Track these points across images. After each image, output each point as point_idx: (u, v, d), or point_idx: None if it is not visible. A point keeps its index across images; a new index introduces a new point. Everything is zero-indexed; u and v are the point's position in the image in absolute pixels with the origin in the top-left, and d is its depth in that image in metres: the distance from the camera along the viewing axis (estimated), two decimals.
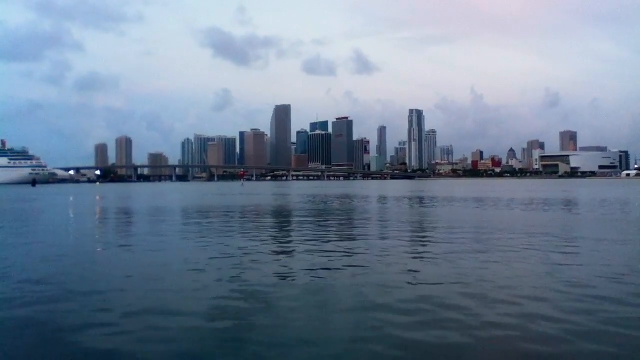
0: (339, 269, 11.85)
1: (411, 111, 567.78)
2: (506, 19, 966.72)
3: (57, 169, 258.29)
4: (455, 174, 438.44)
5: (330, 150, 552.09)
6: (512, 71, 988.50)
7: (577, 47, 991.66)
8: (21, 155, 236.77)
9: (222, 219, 28.33)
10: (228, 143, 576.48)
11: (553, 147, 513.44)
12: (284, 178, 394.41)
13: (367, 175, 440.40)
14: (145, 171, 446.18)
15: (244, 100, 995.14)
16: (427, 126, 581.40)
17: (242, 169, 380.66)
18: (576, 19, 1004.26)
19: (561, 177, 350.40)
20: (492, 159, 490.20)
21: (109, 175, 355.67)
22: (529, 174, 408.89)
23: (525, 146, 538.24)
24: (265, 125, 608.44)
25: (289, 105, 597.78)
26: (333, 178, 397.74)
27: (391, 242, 16.70)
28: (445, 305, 8.35)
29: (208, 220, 27.07)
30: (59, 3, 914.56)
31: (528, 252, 13.99)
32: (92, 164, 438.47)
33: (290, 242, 17.46)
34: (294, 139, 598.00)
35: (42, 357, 6.43)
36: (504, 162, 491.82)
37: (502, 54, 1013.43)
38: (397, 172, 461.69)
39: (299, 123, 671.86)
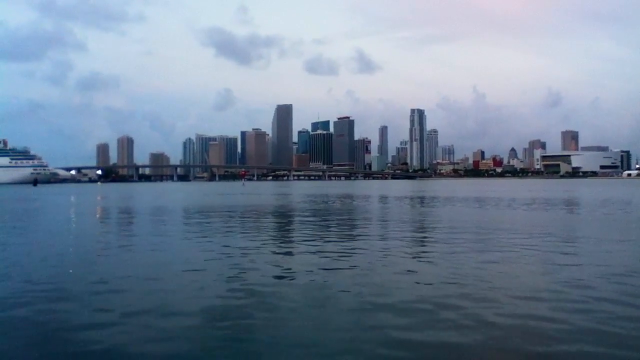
0: (339, 269, 11.85)
1: (413, 111, 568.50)
2: (507, 18, 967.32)
3: (59, 168, 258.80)
4: (456, 173, 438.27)
5: (331, 150, 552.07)
6: (513, 71, 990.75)
7: (578, 47, 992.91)
8: (22, 155, 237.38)
9: (223, 218, 28.34)
10: (229, 143, 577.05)
11: (554, 147, 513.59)
12: (285, 178, 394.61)
13: (368, 175, 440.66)
14: (147, 171, 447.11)
15: (245, 100, 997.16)
16: (429, 126, 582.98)
17: (243, 169, 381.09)
18: (577, 18, 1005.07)
19: (562, 177, 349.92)
20: (494, 159, 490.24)
21: (110, 175, 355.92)
22: (530, 174, 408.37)
23: (527, 146, 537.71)
24: (266, 124, 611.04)
25: (291, 104, 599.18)
26: (334, 178, 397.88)
27: (392, 242, 16.70)
28: (445, 305, 8.35)
29: (209, 220, 27.10)
30: (60, 3, 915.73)
31: (528, 252, 13.97)
32: (93, 163, 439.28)
33: (290, 242, 17.48)
34: (295, 138, 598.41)
35: (43, 357, 6.42)
36: (505, 161, 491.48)
37: (503, 54, 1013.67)
38: (399, 171, 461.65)
39: (300, 123, 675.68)
